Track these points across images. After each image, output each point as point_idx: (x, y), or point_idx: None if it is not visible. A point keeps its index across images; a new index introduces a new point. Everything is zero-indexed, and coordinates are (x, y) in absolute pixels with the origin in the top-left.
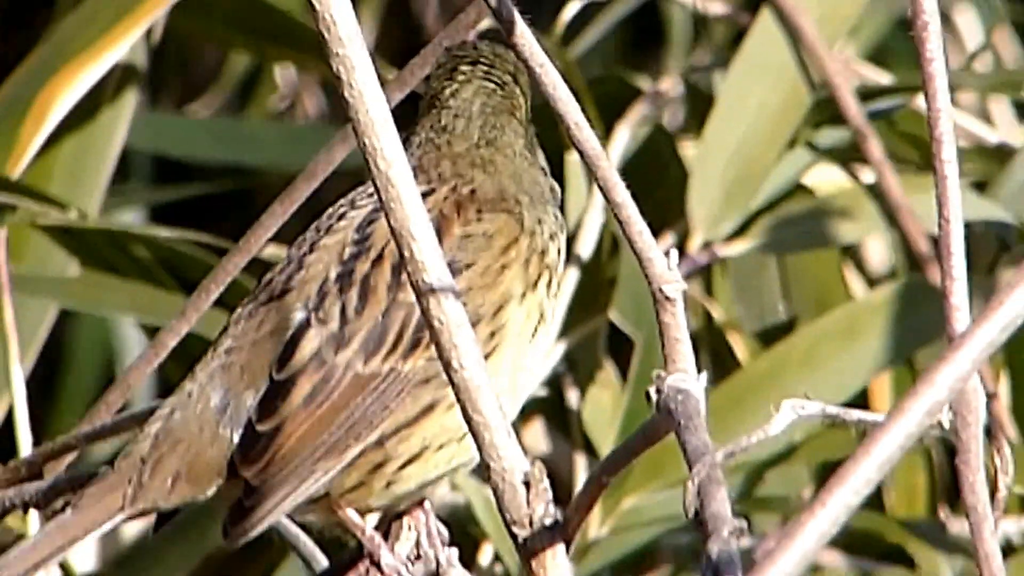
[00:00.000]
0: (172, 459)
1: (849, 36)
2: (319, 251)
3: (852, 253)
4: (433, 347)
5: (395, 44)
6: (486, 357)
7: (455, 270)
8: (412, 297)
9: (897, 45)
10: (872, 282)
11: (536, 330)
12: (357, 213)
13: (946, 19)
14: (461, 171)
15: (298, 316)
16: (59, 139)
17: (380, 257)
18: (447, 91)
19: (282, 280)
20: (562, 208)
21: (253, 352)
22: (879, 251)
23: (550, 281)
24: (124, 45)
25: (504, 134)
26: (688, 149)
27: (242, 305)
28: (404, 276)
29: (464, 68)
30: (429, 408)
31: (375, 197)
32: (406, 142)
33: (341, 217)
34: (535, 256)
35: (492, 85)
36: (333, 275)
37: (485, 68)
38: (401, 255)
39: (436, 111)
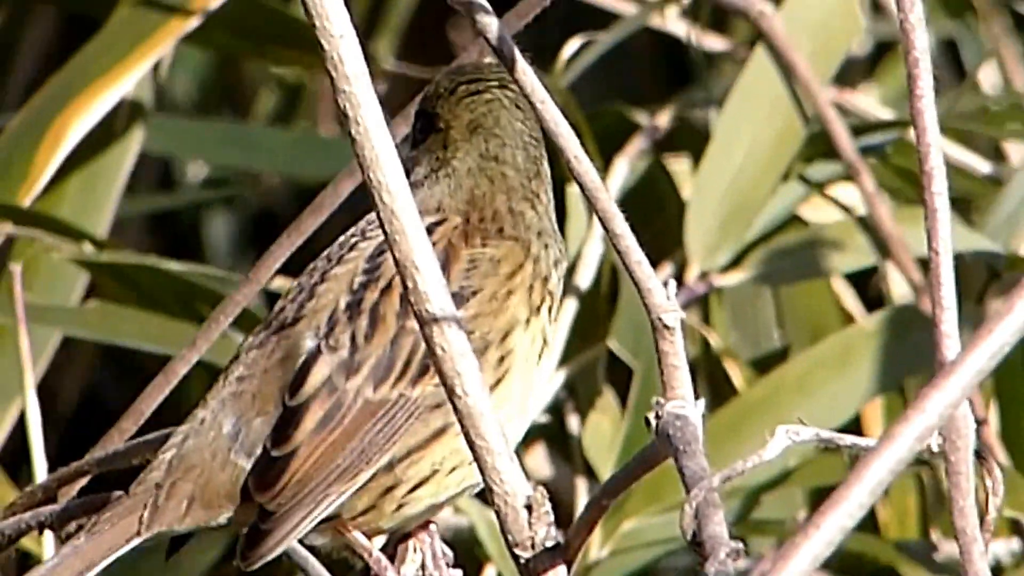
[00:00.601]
0: (186, 484)
1: (874, 78)
2: (330, 281)
3: (866, 283)
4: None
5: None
6: (497, 383)
7: (463, 297)
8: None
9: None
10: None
11: (541, 355)
12: (368, 244)
13: (952, 46)
14: (513, 206)
15: (309, 344)
16: (70, 167)
17: (389, 287)
18: (488, 116)
19: (293, 309)
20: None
21: (264, 380)
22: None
23: (551, 307)
24: (136, 75)
25: (544, 163)
26: (683, 179)
27: (254, 334)
28: None
29: (493, 91)
30: (440, 432)
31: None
32: (429, 162)
33: (352, 248)
34: (538, 282)
35: (520, 112)
36: (343, 304)
37: (512, 93)
38: (404, 285)
39: (481, 138)
